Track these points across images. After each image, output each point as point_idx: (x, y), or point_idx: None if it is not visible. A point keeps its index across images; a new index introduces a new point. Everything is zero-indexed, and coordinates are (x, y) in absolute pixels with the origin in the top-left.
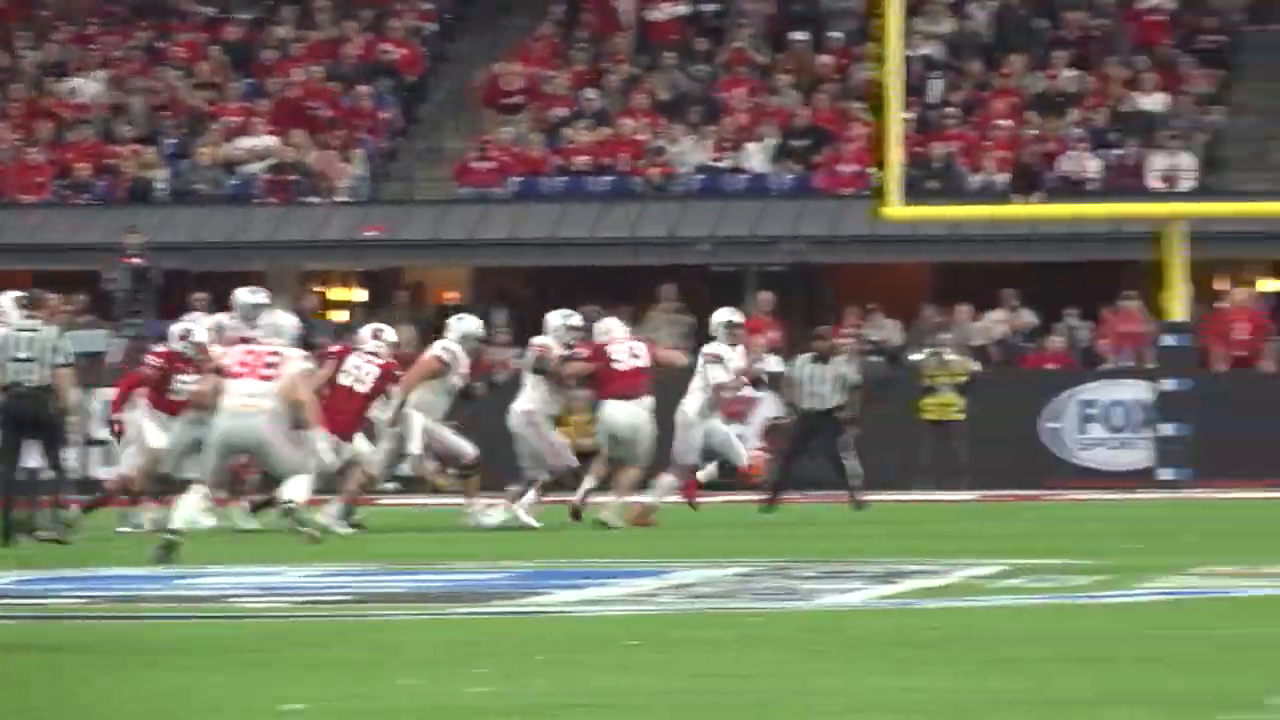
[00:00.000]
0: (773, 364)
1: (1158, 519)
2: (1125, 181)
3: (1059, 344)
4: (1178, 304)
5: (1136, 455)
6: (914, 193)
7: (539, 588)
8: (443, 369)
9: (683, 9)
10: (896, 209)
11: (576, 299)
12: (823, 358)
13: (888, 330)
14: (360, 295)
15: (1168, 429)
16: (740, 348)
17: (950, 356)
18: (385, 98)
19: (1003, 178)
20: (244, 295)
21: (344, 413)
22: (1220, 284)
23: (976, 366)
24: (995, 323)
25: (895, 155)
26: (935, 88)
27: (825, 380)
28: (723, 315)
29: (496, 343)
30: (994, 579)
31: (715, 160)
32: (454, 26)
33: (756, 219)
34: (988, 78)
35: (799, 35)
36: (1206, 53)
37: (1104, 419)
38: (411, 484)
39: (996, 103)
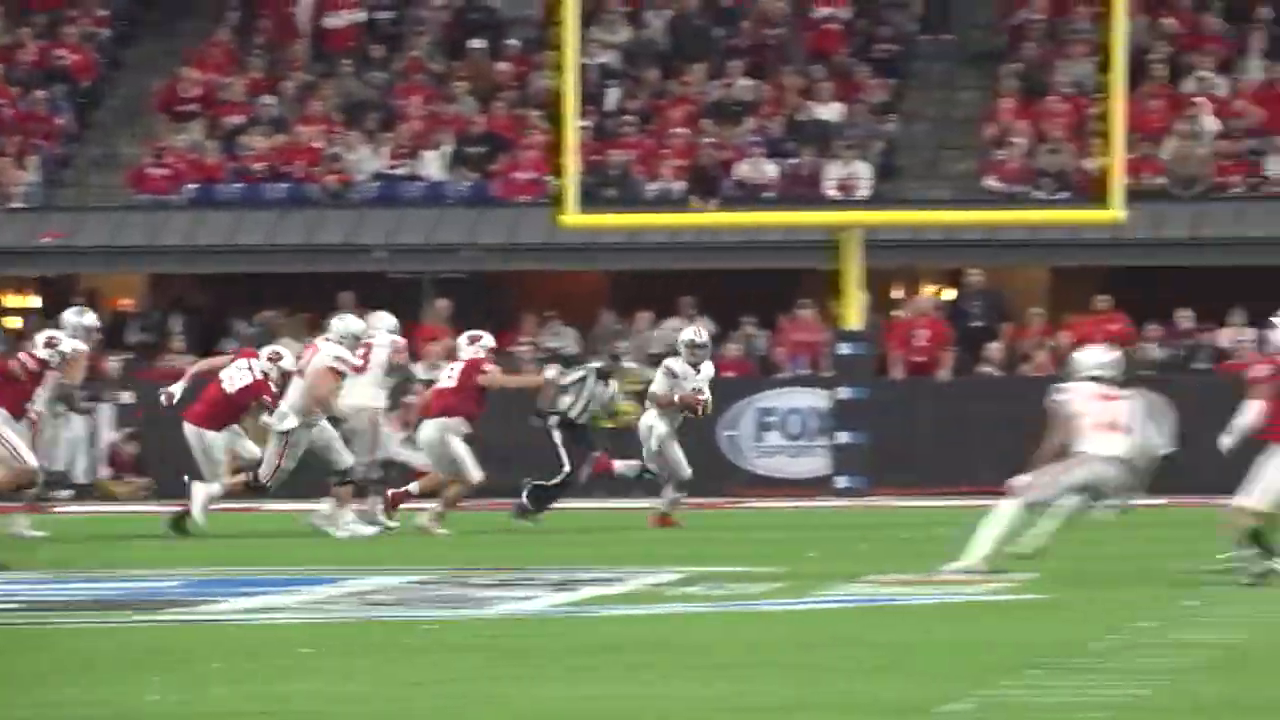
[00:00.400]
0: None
1: (833, 527)
2: (801, 190)
3: (736, 352)
4: (854, 312)
5: (814, 463)
6: (591, 201)
7: (214, 595)
8: (340, 379)
9: (359, 16)
10: (574, 217)
11: (255, 306)
12: (606, 377)
13: (565, 338)
14: (35, 302)
15: (844, 437)
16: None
17: (628, 365)
18: (59, 103)
19: (679, 185)
20: (71, 317)
21: (206, 403)
22: (896, 292)
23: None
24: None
25: (573, 163)
26: (612, 96)
27: (600, 399)
28: (686, 334)
29: (172, 350)
30: (672, 586)
31: (391, 168)
32: (129, 33)
33: (433, 226)
34: (664, 86)
35: (476, 43)
36: (881, 62)
37: (781, 427)
38: (86, 491)
39: (673, 111)
